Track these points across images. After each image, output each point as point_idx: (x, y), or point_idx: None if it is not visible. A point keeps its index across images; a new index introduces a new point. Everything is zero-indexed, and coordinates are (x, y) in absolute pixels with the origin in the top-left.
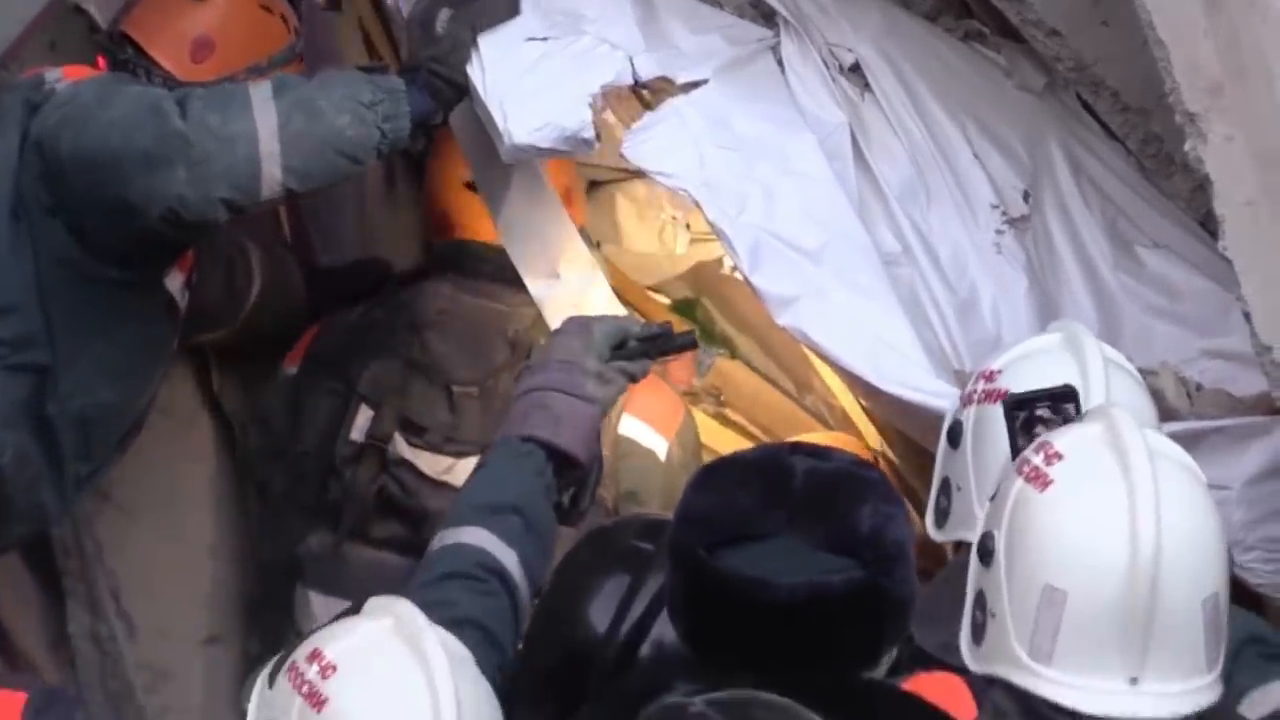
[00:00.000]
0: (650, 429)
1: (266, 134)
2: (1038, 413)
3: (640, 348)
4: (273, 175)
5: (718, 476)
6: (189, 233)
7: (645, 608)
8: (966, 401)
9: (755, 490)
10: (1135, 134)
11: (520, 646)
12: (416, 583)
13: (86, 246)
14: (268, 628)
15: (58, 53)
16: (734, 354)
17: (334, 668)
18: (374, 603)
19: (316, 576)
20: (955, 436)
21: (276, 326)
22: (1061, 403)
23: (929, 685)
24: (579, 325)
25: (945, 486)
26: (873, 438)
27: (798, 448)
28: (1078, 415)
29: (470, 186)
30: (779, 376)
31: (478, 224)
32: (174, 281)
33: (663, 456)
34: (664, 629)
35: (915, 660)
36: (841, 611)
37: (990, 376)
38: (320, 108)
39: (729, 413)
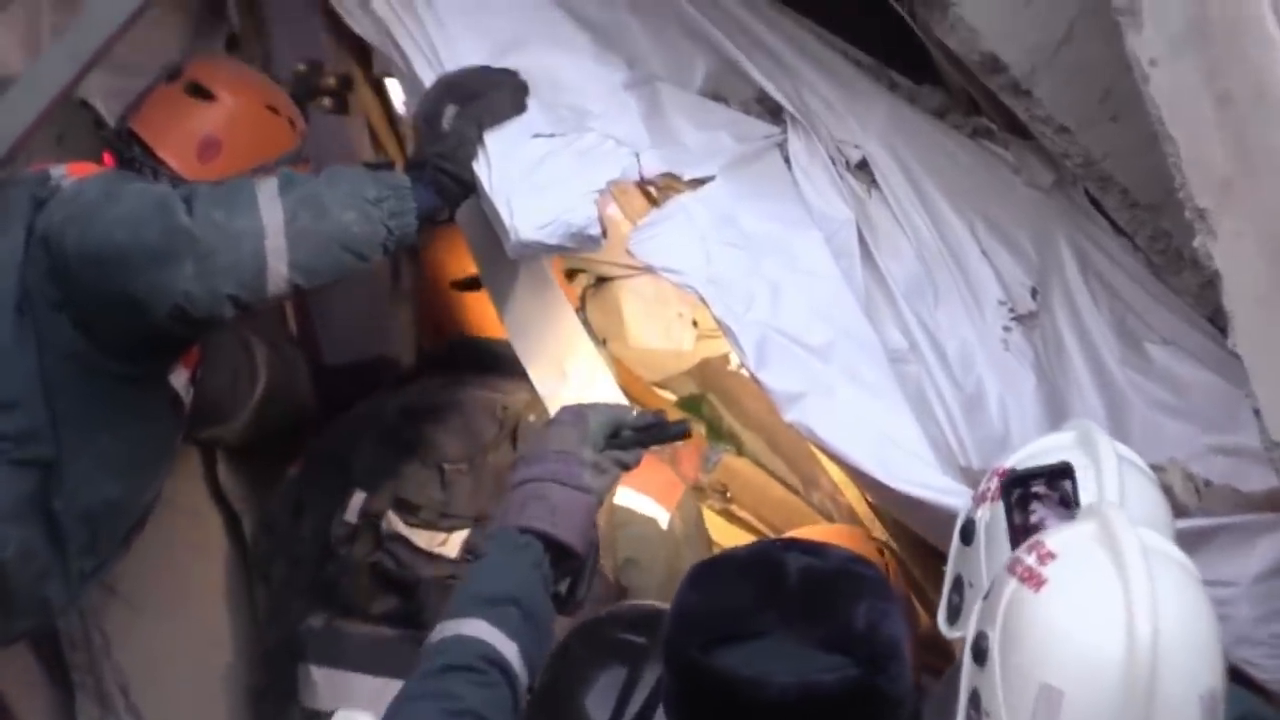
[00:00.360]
0: (650, 500)
1: (273, 230)
2: (1034, 489)
3: (635, 437)
4: (279, 271)
5: (711, 575)
6: (196, 329)
7: (644, 701)
8: (980, 500)
9: (749, 589)
10: (1144, 230)
11: None
12: (418, 674)
13: (93, 341)
14: (273, 717)
15: (64, 147)
16: (740, 450)
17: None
18: (339, 716)
19: (317, 652)
20: (968, 534)
21: (282, 423)
22: (1058, 479)
23: None
24: (574, 414)
25: (958, 584)
26: (878, 531)
27: (792, 544)
28: (1073, 493)
29: (457, 286)
30: (785, 473)
31: (467, 322)
32: (179, 378)
33: (664, 525)
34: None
35: None
36: (836, 710)
37: (1004, 475)
38: (326, 204)
39: (735, 509)
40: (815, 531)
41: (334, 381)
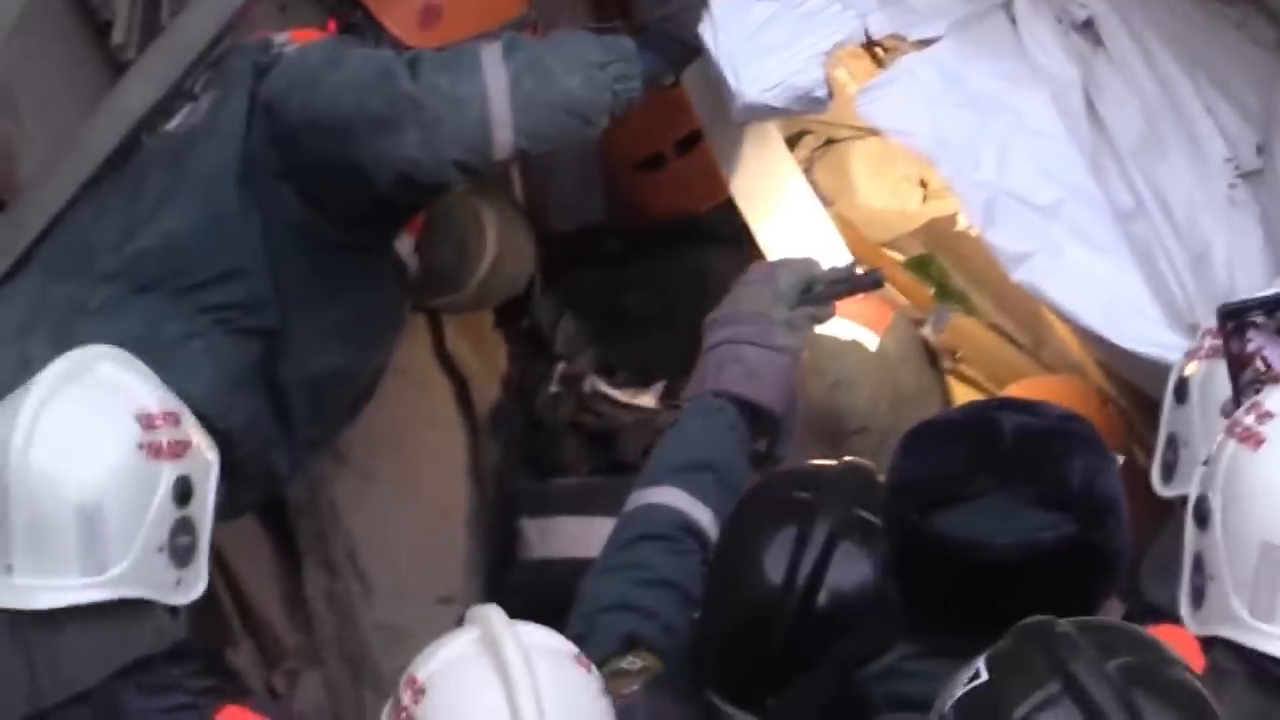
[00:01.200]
0: (854, 324)
1: (497, 95)
2: (1252, 318)
3: (827, 290)
4: (504, 137)
5: (925, 439)
6: (422, 195)
7: (817, 557)
8: (1192, 356)
9: (963, 451)
10: None
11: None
12: (612, 546)
13: (317, 209)
14: (498, 587)
15: (288, 15)
16: (969, 310)
17: (424, 691)
18: (470, 613)
19: (529, 508)
20: (1182, 392)
21: (510, 290)
22: (1276, 309)
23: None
24: (764, 273)
25: (1172, 442)
26: (1108, 390)
27: (1006, 404)
28: None
29: (641, 166)
30: (1015, 332)
31: (653, 203)
32: (404, 245)
33: (872, 348)
34: (839, 576)
35: (1146, 615)
36: (1055, 567)
37: (1216, 332)
38: (551, 69)
39: (965, 369)
40: (1036, 384)
41: (558, 248)
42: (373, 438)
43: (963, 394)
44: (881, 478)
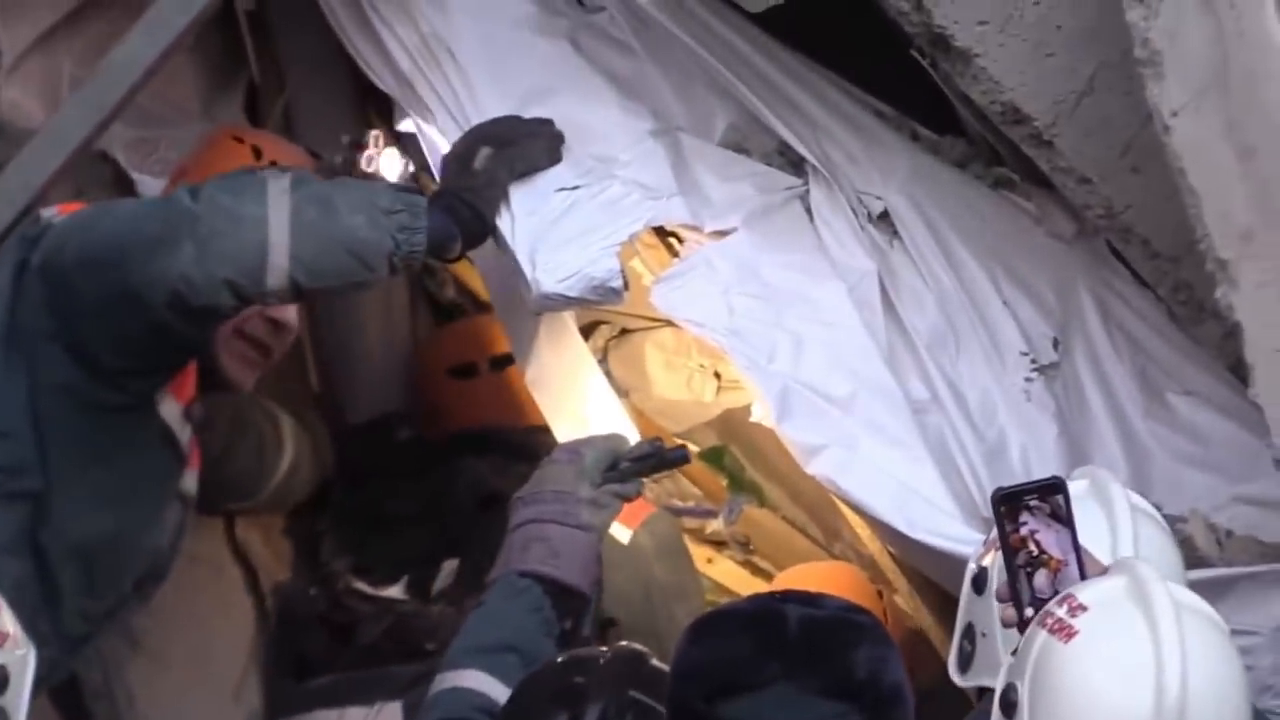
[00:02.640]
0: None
1: (278, 221)
2: (1026, 502)
3: (632, 468)
4: (279, 263)
5: (711, 628)
6: (194, 324)
7: None
8: (991, 547)
9: (750, 640)
10: (1166, 281)
11: None
12: None
13: (85, 365)
14: None
15: (84, 199)
16: (762, 501)
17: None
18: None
19: (284, 707)
20: (980, 583)
21: (302, 495)
22: (1050, 494)
23: None
24: (569, 452)
25: (969, 632)
26: (900, 583)
27: (790, 595)
28: (1065, 507)
29: (453, 373)
30: (807, 523)
31: (459, 412)
32: (169, 409)
33: (625, 541)
34: None
35: None
36: None
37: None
38: (336, 204)
39: (757, 560)
40: (812, 569)
41: (352, 440)
42: (166, 623)
43: (753, 585)
44: (655, 661)
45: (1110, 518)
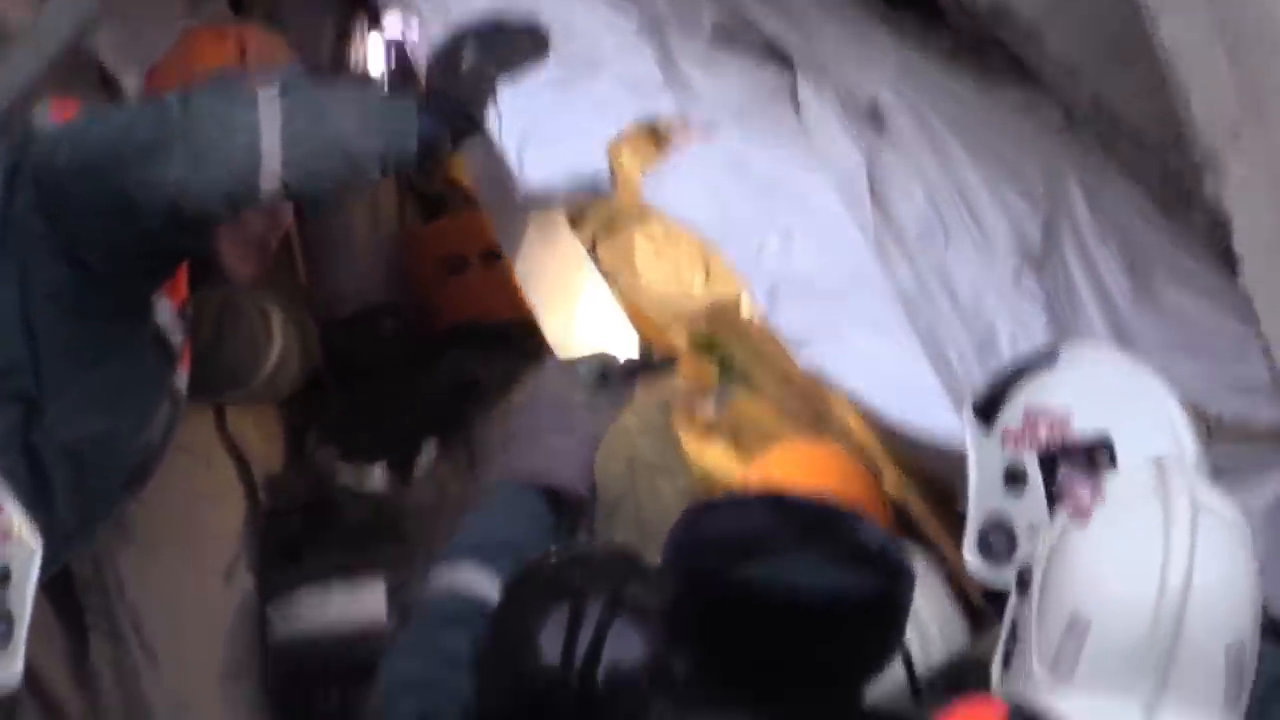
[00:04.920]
0: None
1: (269, 127)
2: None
3: (623, 375)
4: (272, 170)
5: (717, 506)
6: (188, 233)
7: (592, 634)
8: (1021, 442)
9: (762, 513)
10: (1153, 171)
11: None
12: (412, 626)
13: (80, 269)
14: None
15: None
16: (752, 390)
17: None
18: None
19: (270, 590)
20: (1018, 478)
21: (293, 386)
22: (1098, 451)
23: (965, 714)
24: (562, 365)
25: (1000, 526)
26: (889, 471)
27: (795, 494)
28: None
29: (443, 266)
30: (798, 411)
31: (448, 305)
32: (164, 311)
33: None
34: (616, 653)
35: None
36: (860, 618)
37: (1060, 421)
38: (326, 109)
39: (747, 447)
40: (804, 449)
41: (338, 333)
42: (155, 512)
43: (742, 472)
44: (646, 562)
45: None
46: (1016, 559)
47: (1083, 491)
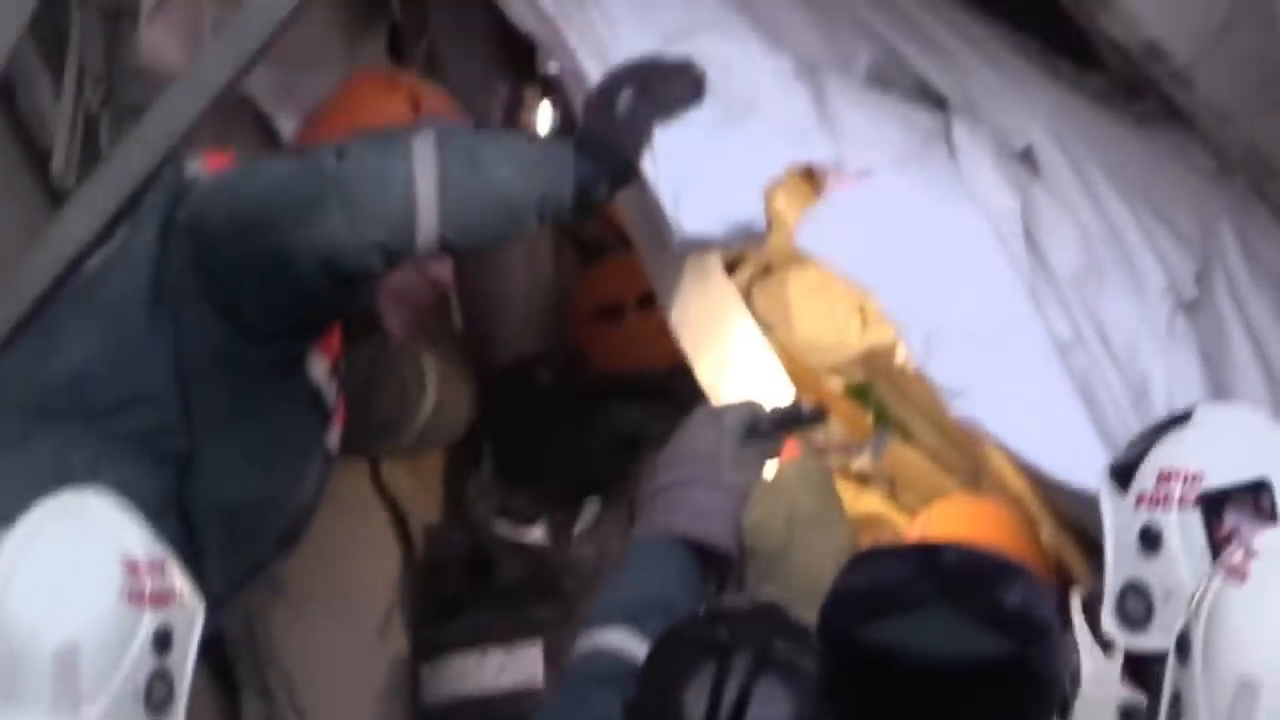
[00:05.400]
0: None
1: (424, 179)
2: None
3: (772, 428)
4: (429, 221)
5: (868, 559)
6: (345, 289)
7: (736, 696)
8: (1156, 503)
9: (905, 567)
10: None
11: None
12: (563, 686)
13: (235, 326)
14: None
15: (227, 145)
16: (908, 438)
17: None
18: None
19: (424, 650)
20: (1152, 540)
21: (449, 437)
22: (1257, 493)
23: None
24: (709, 415)
25: (1138, 590)
26: (1046, 521)
27: (955, 545)
28: (1272, 505)
29: (600, 315)
30: (953, 460)
31: (606, 353)
32: (318, 367)
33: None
34: (762, 709)
35: None
36: (990, 684)
37: (1194, 478)
38: (482, 159)
39: (903, 496)
40: (964, 504)
41: (494, 384)
42: (308, 568)
43: (900, 522)
44: (795, 616)
45: None
46: (1154, 623)
47: (1237, 549)
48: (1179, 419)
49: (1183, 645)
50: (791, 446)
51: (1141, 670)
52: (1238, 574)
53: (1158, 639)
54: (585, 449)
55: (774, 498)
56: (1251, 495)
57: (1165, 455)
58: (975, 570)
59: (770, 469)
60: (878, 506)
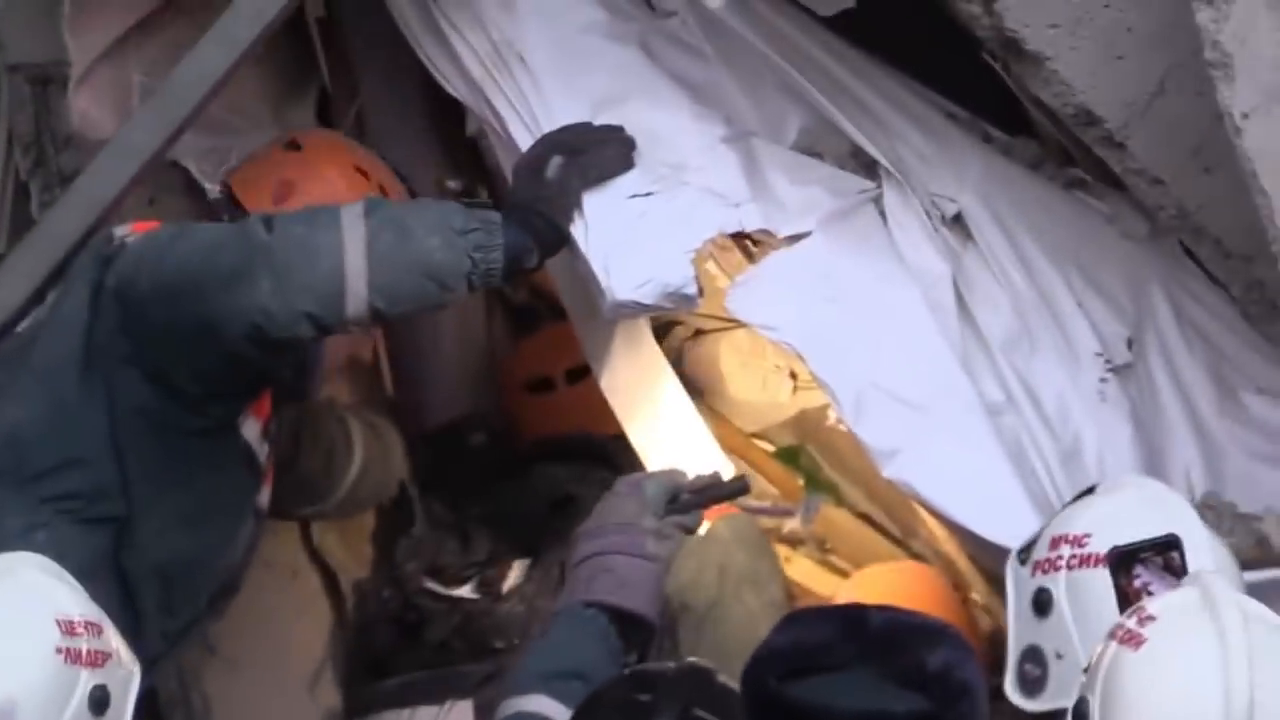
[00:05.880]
0: None
1: (354, 249)
2: (1142, 557)
3: (693, 499)
4: (358, 291)
5: (796, 619)
6: (274, 355)
7: None
8: (1047, 569)
9: (830, 628)
10: (1238, 280)
11: None
12: None
13: (165, 390)
14: None
15: (156, 209)
16: (839, 501)
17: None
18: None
19: (354, 709)
20: (1044, 605)
21: (376, 500)
22: (1166, 551)
23: None
24: (630, 485)
25: (1034, 655)
26: (977, 583)
27: (882, 606)
28: (1182, 562)
29: (529, 389)
30: (884, 522)
31: (539, 426)
32: (250, 429)
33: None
34: None
35: None
36: None
37: (1079, 541)
38: (411, 228)
39: (834, 559)
40: (891, 569)
41: (427, 445)
42: (240, 627)
43: (830, 584)
44: (722, 678)
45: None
46: (1049, 685)
47: (1130, 618)
48: (1083, 494)
49: (1080, 712)
50: (715, 514)
51: None
52: (1133, 639)
53: (1054, 699)
54: (515, 509)
55: (706, 552)
56: (1160, 552)
57: (1059, 523)
58: (900, 632)
59: (702, 527)
60: (808, 569)
